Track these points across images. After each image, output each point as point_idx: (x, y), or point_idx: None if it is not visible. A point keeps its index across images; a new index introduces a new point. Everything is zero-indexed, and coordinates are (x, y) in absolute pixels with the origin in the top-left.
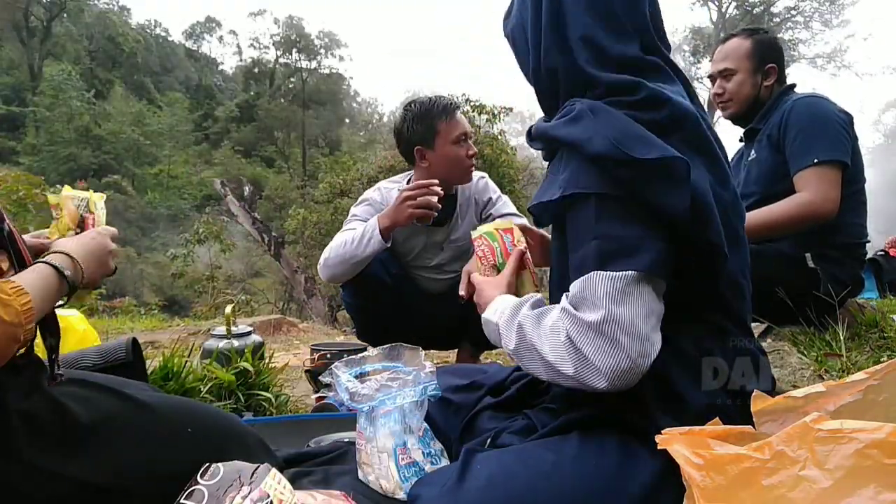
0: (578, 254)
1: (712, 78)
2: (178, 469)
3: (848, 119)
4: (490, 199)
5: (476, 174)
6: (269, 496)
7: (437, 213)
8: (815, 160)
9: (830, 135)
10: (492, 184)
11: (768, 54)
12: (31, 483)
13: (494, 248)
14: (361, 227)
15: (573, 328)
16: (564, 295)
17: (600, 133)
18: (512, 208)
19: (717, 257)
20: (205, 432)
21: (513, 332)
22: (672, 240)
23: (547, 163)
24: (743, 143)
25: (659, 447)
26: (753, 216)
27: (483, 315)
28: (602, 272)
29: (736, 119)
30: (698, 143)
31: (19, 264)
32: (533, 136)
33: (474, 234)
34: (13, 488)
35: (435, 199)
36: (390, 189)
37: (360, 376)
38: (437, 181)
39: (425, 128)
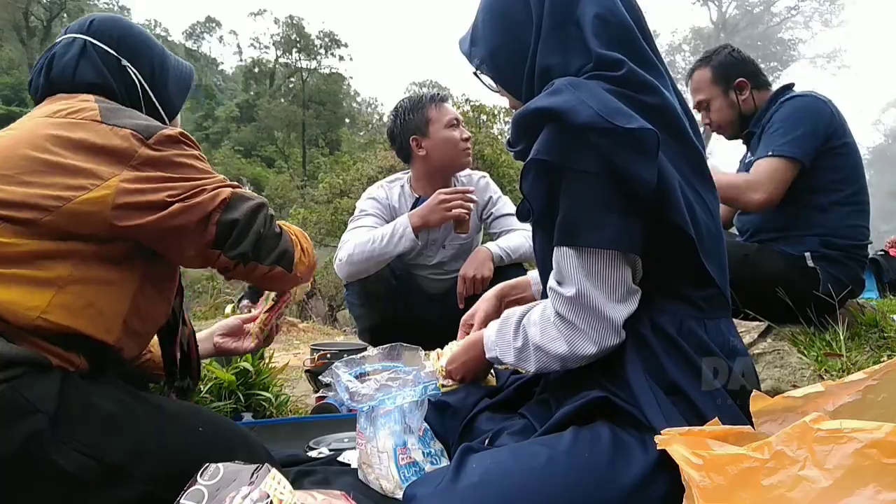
0: (556, 226)
1: (696, 109)
2: (190, 466)
3: (830, 121)
4: (490, 198)
5: (477, 174)
6: (269, 496)
7: (467, 219)
8: (770, 152)
9: (798, 131)
10: (493, 184)
11: (731, 71)
12: (72, 462)
13: None
14: (388, 227)
15: (559, 304)
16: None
17: (585, 103)
18: (512, 209)
19: (684, 239)
20: (215, 432)
21: (518, 334)
22: (639, 215)
23: None
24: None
25: (658, 447)
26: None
27: (488, 356)
28: (568, 248)
29: (736, 137)
30: (675, 130)
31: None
32: (512, 128)
33: None
34: (57, 465)
35: (472, 206)
36: (392, 187)
37: (360, 376)
38: (472, 189)
39: (418, 116)
